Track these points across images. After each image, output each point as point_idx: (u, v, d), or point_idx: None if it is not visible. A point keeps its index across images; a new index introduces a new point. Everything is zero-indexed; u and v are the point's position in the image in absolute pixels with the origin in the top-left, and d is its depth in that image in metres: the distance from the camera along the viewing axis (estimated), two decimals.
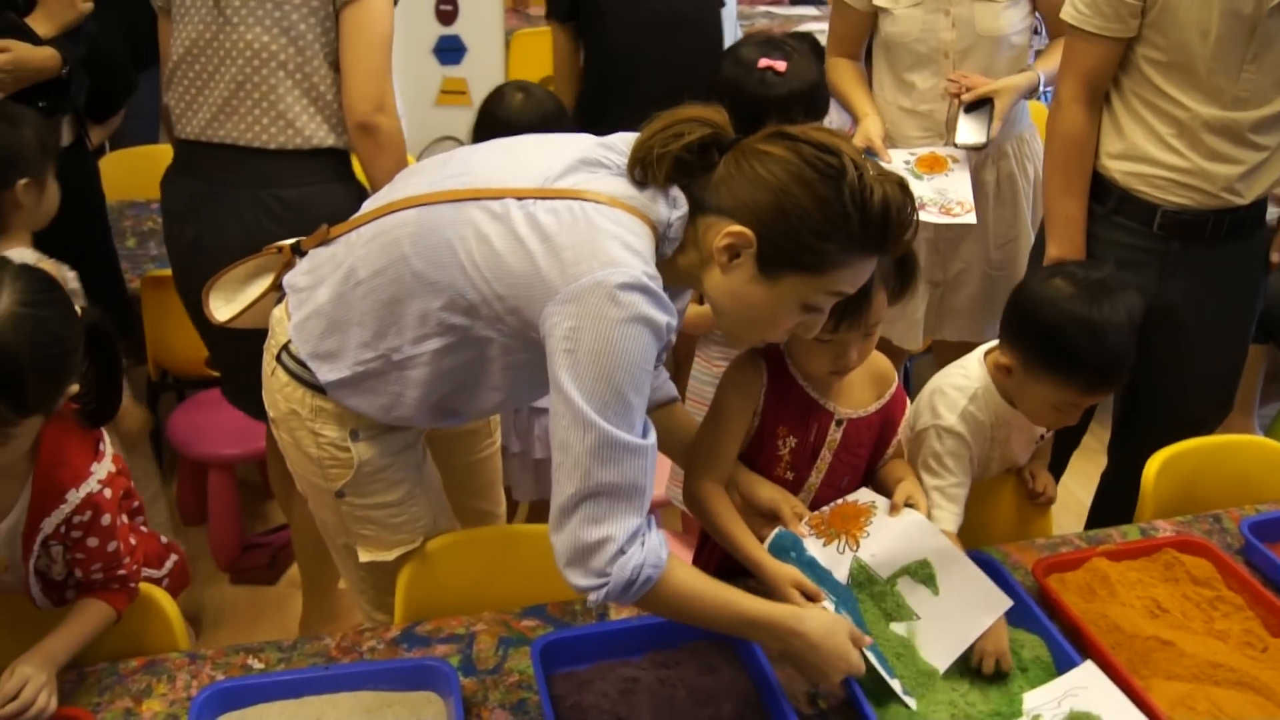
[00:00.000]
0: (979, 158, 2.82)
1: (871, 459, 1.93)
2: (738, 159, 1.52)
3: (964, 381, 1.96)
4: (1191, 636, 1.79)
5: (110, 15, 3.07)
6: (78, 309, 2.41)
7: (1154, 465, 2.22)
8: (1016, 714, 1.66)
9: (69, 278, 2.38)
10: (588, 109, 3.32)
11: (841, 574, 1.75)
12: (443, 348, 1.61)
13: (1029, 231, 2.93)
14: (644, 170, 1.55)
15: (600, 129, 1.68)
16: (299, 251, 1.81)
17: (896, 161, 2.76)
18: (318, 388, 1.73)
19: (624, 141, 1.61)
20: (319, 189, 2.38)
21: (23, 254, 2.32)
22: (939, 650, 1.72)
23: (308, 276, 1.74)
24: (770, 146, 1.50)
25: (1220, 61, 2.19)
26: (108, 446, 1.74)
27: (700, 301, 2.27)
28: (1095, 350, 1.79)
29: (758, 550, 1.74)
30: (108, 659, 1.73)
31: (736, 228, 1.49)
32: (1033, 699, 1.67)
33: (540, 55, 4.72)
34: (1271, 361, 3.78)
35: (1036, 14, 2.86)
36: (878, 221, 1.47)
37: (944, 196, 2.71)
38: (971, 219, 2.68)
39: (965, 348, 3.01)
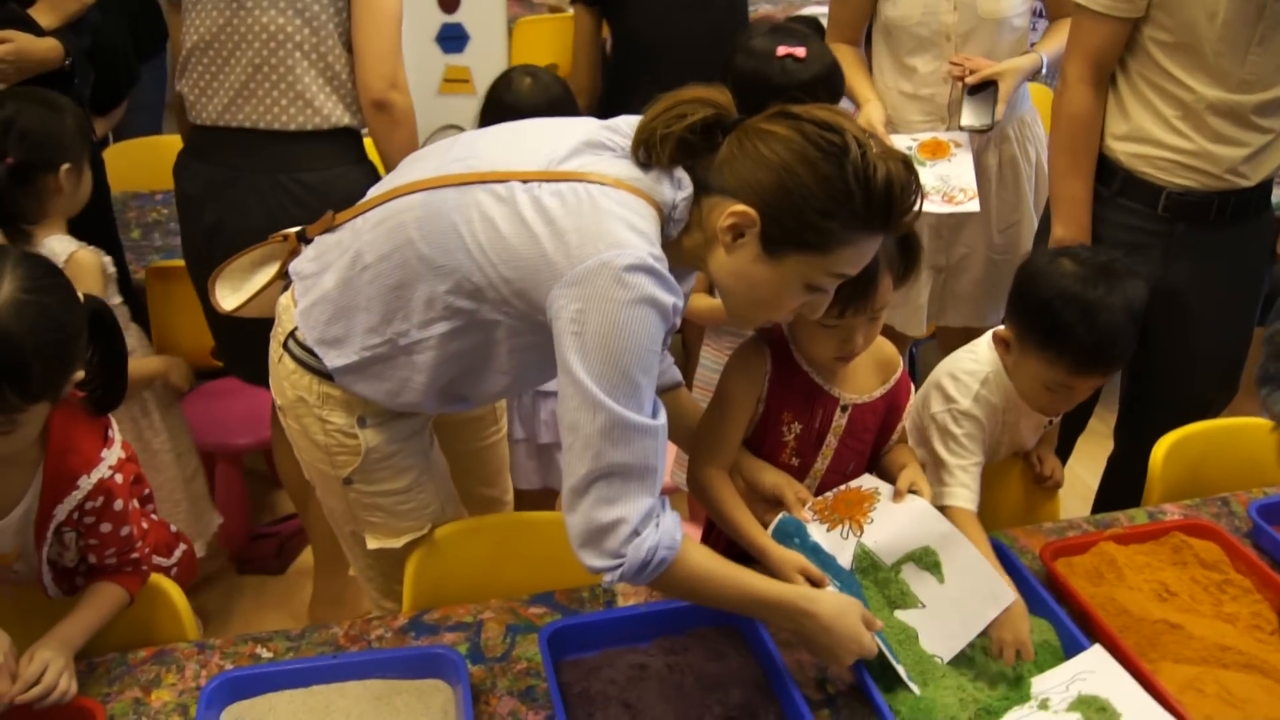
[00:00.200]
0: (981, 141, 2.81)
1: (876, 445, 1.93)
2: (741, 139, 1.52)
3: (974, 366, 1.96)
4: (1200, 620, 1.79)
5: (112, 6, 3.07)
6: (118, 297, 2.45)
7: (1161, 449, 2.21)
8: (1025, 698, 1.66)
9: (106, 263, 2.44)
10: (612, 92, 3.32)
11: (845, 559, 1.74)
12: (449, 331, 1.61)
13: (1031, 215, 2.92)
14: (648, 152, 1.55)
15: (625, 112, 1.68)
16: (304, 239, 1.81)
17: (898, 147, 2.75)
18: (325, 374, 1.73)
19: (628, 124, 1.61)
20: (337, 172, 2.43)
21: (61, 240, 2.37)
22: (942, 640, 1.71)
23: (314, 263, 1.74)
24: (773, 126, 1.50)
25: (1227, 43, 2.18)
26: (116, 433, 1.75)
27: (713, 293, 2.27)
28: (1085, 328, 1.79)
29: (762, 536, 1.74)
30: (117, 649, 1.73)
31: (740, 207, 1.49)
32: (1041, 683, 1.67)
33: (543, 43, 4.72)
34: None
35: None
36: (881, 199, 1.47)
37: (947, 184, 2.70)
38: (975, 206, 2.68)
39: (969, 333, 3.01)
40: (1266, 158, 2.31)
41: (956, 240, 2.92)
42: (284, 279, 1.83)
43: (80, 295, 1.61)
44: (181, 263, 2.86)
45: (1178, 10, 2.20)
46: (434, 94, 4.27)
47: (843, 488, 1.84)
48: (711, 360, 2.62)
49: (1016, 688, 1.67)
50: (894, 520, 1.78)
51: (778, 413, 1.83)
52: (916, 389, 2.02)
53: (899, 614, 1.74)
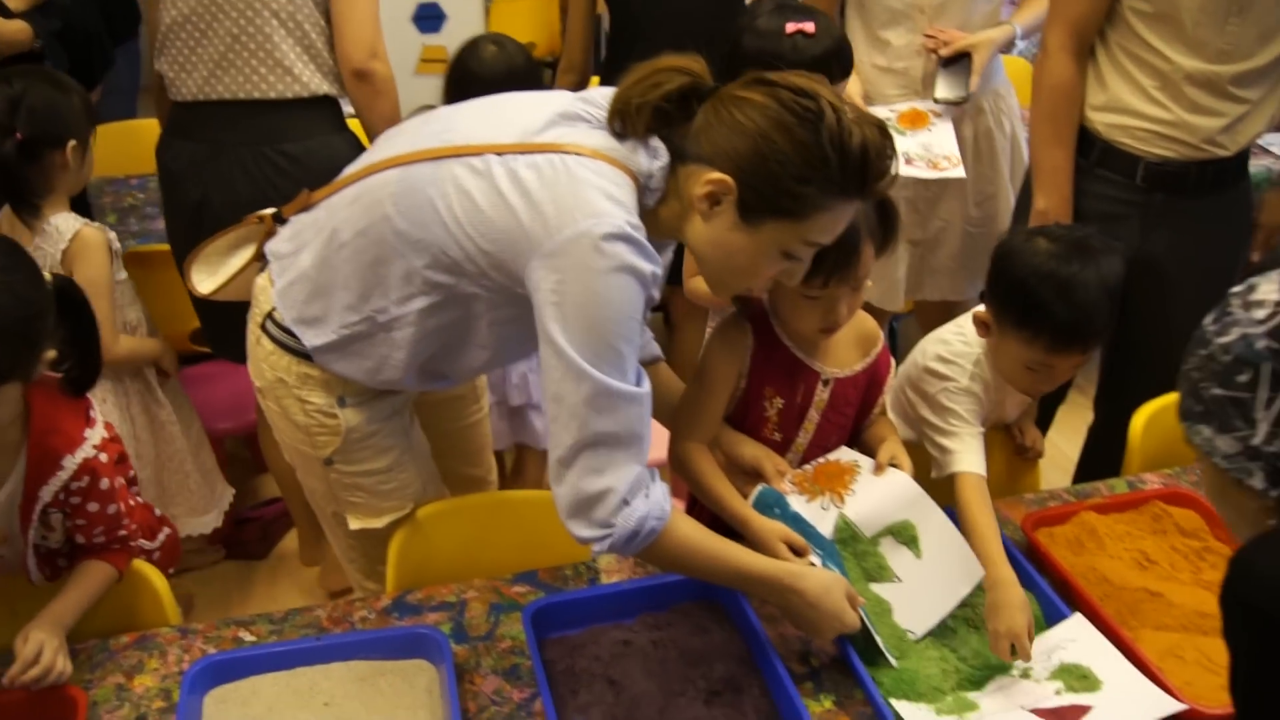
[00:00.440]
0: (955, 114, 2.81)
1: (857, 419, 1.93)
2: (716, 107, 1.51)
3: (965, 348, 1.96)
4: (1179, 587, 1.80)
5: None
6: (124, 274, 2.46)
7: (1140, 418, 2.22)
8: (1006, 668, 1.67)
9: (112, 239, 2.46)
10: (608, 68, 3.30)
11: (826, 529, 1.75)
12: (428, 307, 1.61)
13: (1008, 188, 2.93)
14: (623, 122, 1.54)
15: None
16: (280, 219, 1.80)
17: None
18: (304, 354, 1.72)
19: (603, 95, 1.60)
20: (320, 141, 2.44)
21: (66, 217, 2.39)
22: (915, 615, 1.72)
23: (290, 243, 1.73)
24: (748, 93, 1.50)
25: (1206, 13, 2.18)
26: (98, 414, 1.75)
27: None
28: (1061, 305, 1.78)
29: (743, 507, 1.75)
30: (98, 635, 1.73)
31: (717, 175, 1.49)
32: None
33: (520, 21, 4.70)
34: None
35: None
36: (856, 164, 1.47)
37: (930, 151, 2.70)
38: (960, 172, 2.68)
39: (947, 307, 3.02)
40: (1244, 127, 2.31)
41: (933, 214, 2.92)
42: (260, 260, 1.82)
43: (47, 274, 1.60)
44: (159, 247, 2.85)
45: None
46: (411, 74, 4.26)
47: (822, 460, 1.84)
48: None
49: (998, 658, 1.68)
50: (875, 493, 1.78)
51: (759, 388, 1.83)
52: (897, 363, 2.02)
53: (874, 587, 1.74)
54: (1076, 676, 1.60)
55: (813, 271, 1.63)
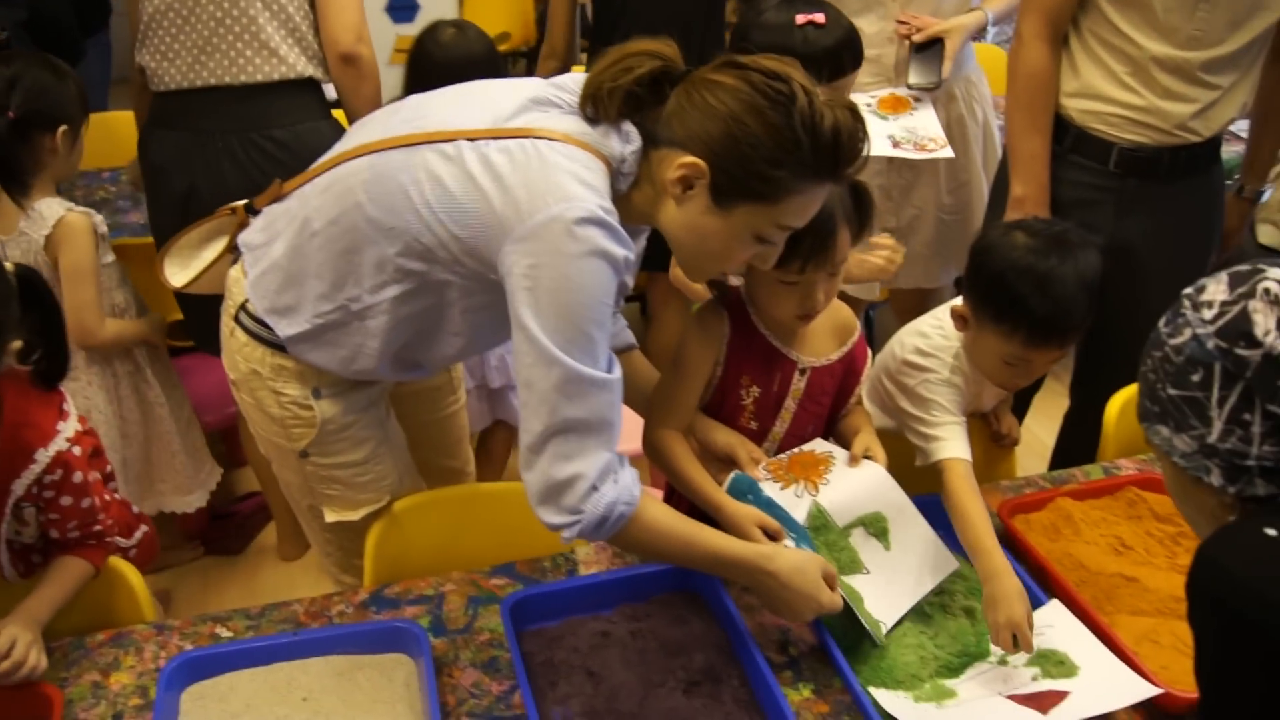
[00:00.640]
0: (929, 99, 2.81)
1: (833, 408, 1.93)
2: (688, 90, 1.51)
3: (944, 341, 1.95)
4: (1155, 572, 1.81)
5: None
6: (111, 256, 2.46)
7: (1115, 404, 2.24)
8: (984, 654, 1.68)
9: (98, 223, 2.47)
10: (595, 52, 3.28)
11: (800, 516, 1.75)
12: (401, 294, 1.60)
13: (981, 174, 2.94)
14: (595, 106, 1.54)
15: None
16: (252, 210, 1.79)
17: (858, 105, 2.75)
18: (278, 345, 1.71)
19: (575, 81, 1.60)
20: (308, 126, 2.45)
21: (51, 203, 2.40)
22: (884, 606, 1.71)
23: (262, 234, 1.73)
24: (720, 76, 1.49)
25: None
26: (71, 407, 1.73)
27: None
28: (1039, 299, 1.77)
29: (717, 493, 1.74)
30: (74, 633, 1.71)
31: (689, 159, 1.49)
32: None
33: (494, 12, 4.68)
34: None
35: None
36: (829, 146, 1.47)
37: (915, 134, 2.71)
38: (949, 152, 2.68)
39: (921, 294, 3.03)
40: (1216, 113, 2.33)
41: (906, 202, 2.93)
42: (233, 252, 1.81)
43: (8, 264, 1.59)
44: (133, 240, 2.84)
45: None
46: (385, 65, 4.22)
47: (796, 450, 1.84)
48: None
49: (976, 645, 1.69)
50: (849, 483, 1.78)
51: (736, 376, 1.83)
52: (873, 352, 2.02)
53: (845, 578, 1.74)
54: (1053, 662, 1.61)
55: (790, 257, 1.63)
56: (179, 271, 1.89)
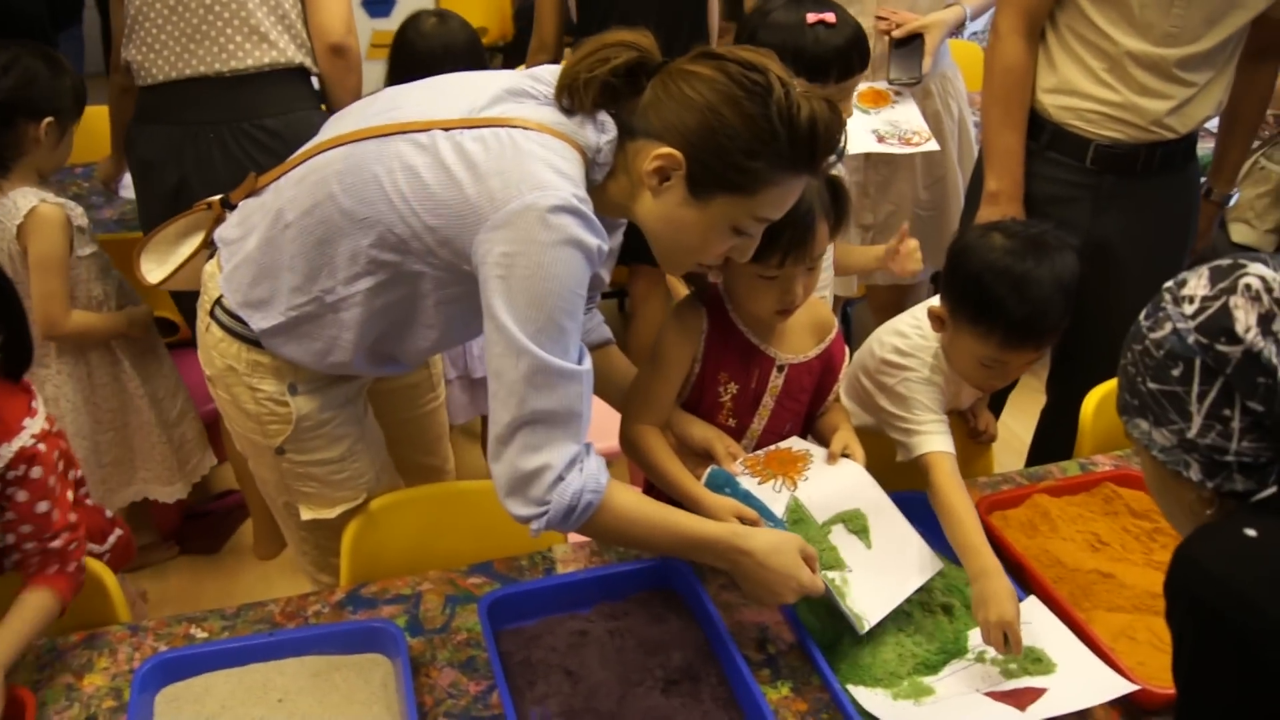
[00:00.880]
0: (907, 95, 2.82)
1: (811, 406, 1.93)
2: (665, 81, 1.50)
3: (922, 341, 1.95)
4: (1131, 568, 1.81)
5: None
6: (91, 249, 2.45)
7: (1092, 401, 2.24)
8: (962, 651, 1.68)
9: (75, 215, 2.46)
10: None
11: (778, 510, 1.74)
12: (375, 286, 1.60)
13: (956, 170, 2.94)
14: (571, 97, 1.54)
15: None
16: (228, 205, 1.78)
17: None
18: (253, 341, 1.70)
19: (550, 73, 1.60)
20: (299, 115, 2.45)
21: (25, 193, 2.39)
22: (868, 603, 1.70)
23: (238, 228, 1.71)
24: (697, 67, 1.49)
25: None
26: (40, 405, 1.71)
27: None
28: (1015, 301, 1.76)
29: (695, 486, 1.74)
30: (46, 635, 1.69)
31: (665, 150, 1.48)
32: (978, 636, 1.68)
33: (471, 6, 4.65)
34: None
35: None
36: (805, 138, 1.47)
37: (898, 128, 2.71)
38: (934, 145, 2.69)
39: (898, 290, 3.04)
40: (1192, 110, 2.33)
41: (883, 198, 2.93)
42: (210, 248, 1.80)
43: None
44: (106, 236, 2.81)
45: None
46: (361, 59, 4.21)
47: (773, 447, 1.84)
48: None
49: (954, 642, 1.69)
50: (828, 481, 1.78)
51: (714, 373, 1.83)
52: (851, 349, 2.02)
53: (825, 573, 1.74)
54: (1031, 659, 1.61)
55: (769, 251, 1.63)
56: (155, 268, 1.88)
